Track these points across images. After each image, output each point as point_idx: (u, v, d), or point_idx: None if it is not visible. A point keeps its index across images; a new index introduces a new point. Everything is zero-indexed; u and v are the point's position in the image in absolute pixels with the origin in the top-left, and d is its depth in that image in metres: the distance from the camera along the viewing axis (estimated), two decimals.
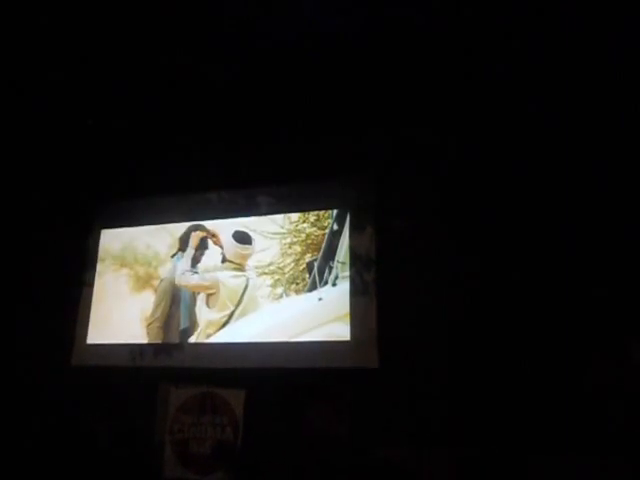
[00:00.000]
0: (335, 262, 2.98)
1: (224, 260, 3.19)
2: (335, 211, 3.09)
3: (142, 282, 3.34)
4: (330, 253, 3.01)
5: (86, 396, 3.04)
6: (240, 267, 3.14)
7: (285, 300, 3.02)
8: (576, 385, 2.39)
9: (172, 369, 3.04)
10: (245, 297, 3.08)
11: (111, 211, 3.53)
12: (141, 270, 3.36)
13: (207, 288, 3.16)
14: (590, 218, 2.59)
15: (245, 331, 3.03)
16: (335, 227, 3.05)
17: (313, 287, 2.97)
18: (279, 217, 3.17)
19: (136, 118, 3.34)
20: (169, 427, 2.91)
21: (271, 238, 3.14)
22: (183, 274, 3.21)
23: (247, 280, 3.11)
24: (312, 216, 3.11)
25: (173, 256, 3.31)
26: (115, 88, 3.08)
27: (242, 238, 3.18)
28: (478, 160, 2.86)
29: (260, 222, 3.19)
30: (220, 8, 2.51)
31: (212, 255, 3.24)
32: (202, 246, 3.27)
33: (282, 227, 3.14)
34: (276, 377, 2.80)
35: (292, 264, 3.05)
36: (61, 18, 2.58)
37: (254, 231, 3.18)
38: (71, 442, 2.91)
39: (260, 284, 3.07)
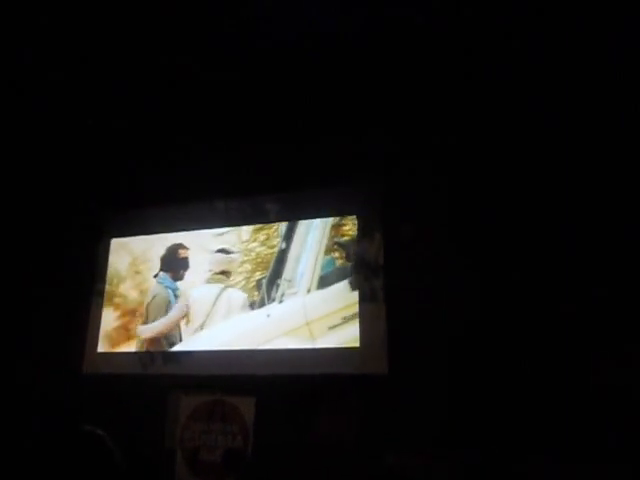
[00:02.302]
0: (282, 280, 3.05)
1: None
2: (284, 230, 3.15)
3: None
4: (277, 271, 3.08)
5: (97, 404, 3.02)
6: (226, 275, 3.22)
7: (236, 317, 3.10)
8: (580, 391, 2.38)
9: (182, 376, 3.07)
10: (215, 307, 3.17)
11: (120, 220, 3.57)
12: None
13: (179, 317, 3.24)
14: (593, 221, 2.56)
15: (199, 346, 3.13)
16: (283, 246, 3.12)
17: (262, 304, 3.06)
18: (232, 236, 3.25)
19: (142, 127, 3.38)
20: (180, 435, 2.93)
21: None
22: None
23: (221, 290, 3.19)
24: (262, 235, 3.19)
25: (155, 276, 3.37)
26: (121, 95, 3.12)
27: (224, 249, 3.27)
28: (487, 167, 2.83)
29: (215, 241, 3.28)
30: (221, 10, 2.52)
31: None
32: (184, 265, 3.32)
33: (234, 246, 3.23)
34: (285, 384, 2.81)
35: (243, 282, 3.14)
36: (62, 21, 2.60)
37: (208, 249, 3.30)
38: (82, 449, 2.91)
39: (231, 294, 3.17)
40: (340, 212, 3.04)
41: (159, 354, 3.17)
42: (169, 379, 3.07)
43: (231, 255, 3.22)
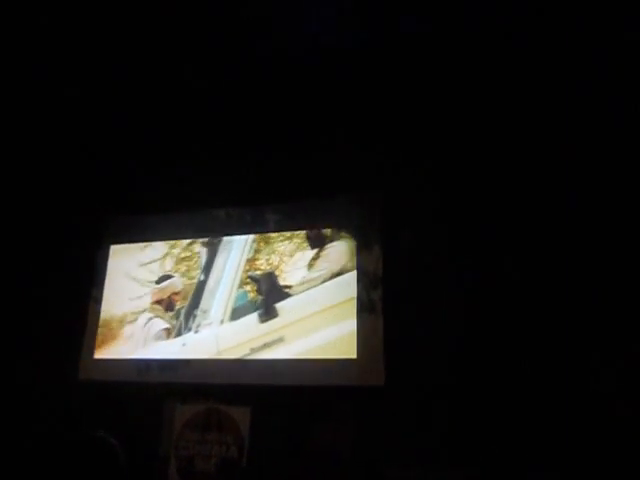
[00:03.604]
0: (199, 310, 3.17)
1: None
2: (203, 261, 3.27)
3: None
4: (195, 302, 3.20)
5: (92, 411, 3.02)
6: (161, 304, 3.34)
7: (155, 344, 3.22)
8: (581, 402, 2.39)
9: (178, 385, 3.05)
10: (141, 334, 3.30)
11: (120, 227, 3.57)
12: None
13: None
14: (593, 230, 2.59)
15: None
16: (202, 277, 3.24)
17: (179, 333, 3.18)
18: (155, 265, 3.37)
19: (143, 134, 3.43)
20: (174, 443, 2.92)
21: (147, 286, 3.36)
22: None
23: (147, 320, 3.31)
24: (183, 266, 3.31)
25: None
26: (123, 102, 3.18)
27: (160, 278, 3.39)
28: (486, 177, 2.86)
29: (140, 270, 3.40)
30: (232, 23, 2.60)
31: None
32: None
33: (157, 275, 3.35)
34: (282, 394, 2.81)
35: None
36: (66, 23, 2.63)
37: (134, 279, 3.40)
38: (75, 456, 2.91)
39: (152, 324, 3.28)
40: (339, 223, 3.07)
41: (155, 362, 3.16)
42: (165, 387, 3.05)
43: (160, 285, 3.34)
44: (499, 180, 2.83)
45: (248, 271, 3.15)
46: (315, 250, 3.07)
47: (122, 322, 3.35)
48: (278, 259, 3.13)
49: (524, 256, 2.68)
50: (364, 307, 2.86)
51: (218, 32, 2.68)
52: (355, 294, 2.90)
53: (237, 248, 3.24)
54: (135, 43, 2.76)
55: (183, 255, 3.35)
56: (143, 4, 2.53)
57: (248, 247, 3.22)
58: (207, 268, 3.26)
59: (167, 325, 3.24)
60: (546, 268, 2.63)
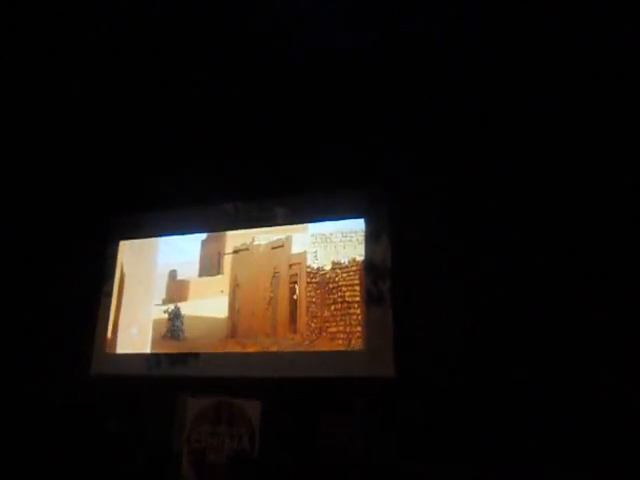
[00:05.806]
0: None
1: None
2: None
3: None
4: None
5: (104, 405, 3.07)
6: None
7: None
8: (587, 400, 2.35)
9: (189, 378, 3.07)
10: None
11: (129, 222, 3.54)
12: None
13: None
14: (602, 228, 2.53)
15: None
16: None
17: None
18: None
19: (151, 130, 3.40)
20: (186, 436, 2.91)
21: None
22: None
23: None
24: None
25: None
26: (133, 102, 3.17)
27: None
28: (494, 172, 2.82)
29: None
30: (236, 23, 2.61)
31: None
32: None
33: None
34: (291, 386, 2.83)
35: None
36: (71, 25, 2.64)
37: None
38: (89, 450, 2.96)
39: None
40: (347, 215, 3.03)
41: (166, 356, 3.18)
42: (176, 381, 3.07)
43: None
44: (508, 172, 2.77)
45: None
46: None
47: None
48: None
49: (533, 247, 2.63)
50: (372, 298, 2.82)
51: (223, 33, 2.68)
52: None
53: None
54: (142, 43, 2.75)
55: None
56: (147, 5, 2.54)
57: None
58: None
59: None
60: (553, 255, 2.59)
